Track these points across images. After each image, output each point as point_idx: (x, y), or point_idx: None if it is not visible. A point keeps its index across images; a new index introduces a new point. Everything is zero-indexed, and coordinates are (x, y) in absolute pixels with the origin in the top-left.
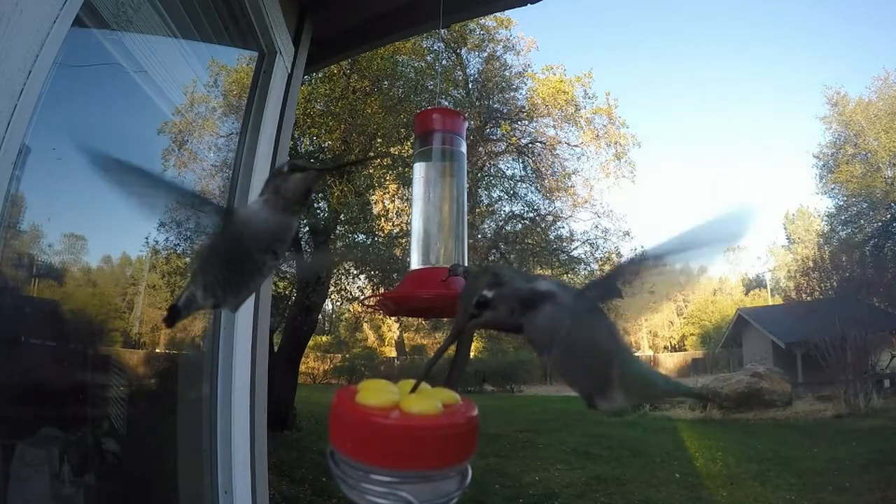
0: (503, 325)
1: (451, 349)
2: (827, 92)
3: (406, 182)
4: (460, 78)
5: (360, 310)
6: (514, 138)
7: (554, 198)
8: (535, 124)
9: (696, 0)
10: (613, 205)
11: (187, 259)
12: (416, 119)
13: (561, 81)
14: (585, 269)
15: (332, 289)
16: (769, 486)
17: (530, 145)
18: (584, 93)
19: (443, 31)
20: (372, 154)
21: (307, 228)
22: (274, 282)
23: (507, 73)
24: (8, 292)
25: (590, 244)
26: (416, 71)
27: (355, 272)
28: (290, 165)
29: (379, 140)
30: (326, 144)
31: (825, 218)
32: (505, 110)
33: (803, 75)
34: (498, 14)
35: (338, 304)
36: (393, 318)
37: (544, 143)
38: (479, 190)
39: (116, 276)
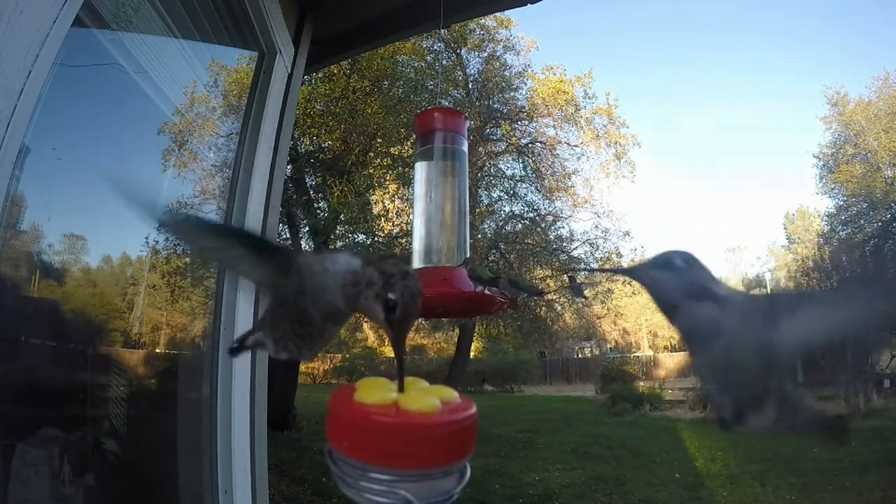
0: (662, 298)
1: (451, 349)
2: (827, 92)
3: (406, 182)
4: (460, 78)
5: None
6: (514, 138)
7: (554, 198)
8: (535, 124)
9: (697, 1)
10: (613, 205)
11: (187, 259)
12: (417, 119)
13: (561, 81)
14: (585, 269)
15: None
16: (769, 486)
17: (530, 145)
18: (584, 93)
19: (443, 31)
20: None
21: (307, 228)
22: None
23: (507, 73)
24: (8, 292)
25: (590, 244)
26: (416, 71)
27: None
28: (395, 301)
29: (379, 140)
30: (326, 144)
31: (825, 218)
32: (505, 110)
33: (803, 75)
34: (498, 14)
35: None
36: None
37: (544, 143)
38: (479, 190)
39: (116, 276)
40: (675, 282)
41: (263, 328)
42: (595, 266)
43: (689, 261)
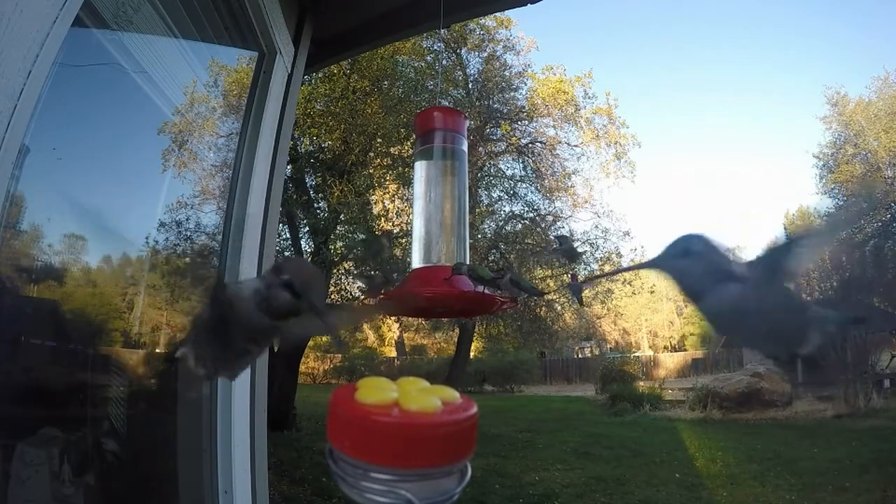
0: (689, 287)
1: (451, 349)
2: (827, 92)
3: (406, 182)
4: (460, 78)
5: None
6: (514, 138)
7: (554, 198)
8: (535, 124)
9: (697, 1)
10: (613, 205)
11: (187, 259)
12: (417, 118)
13: (561, 81)
14: (585, 269)
15: (332, 289)
16: (769, 486)
17: (530, 145)
18: (584, 93)
19: (443, 31)
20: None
21: (307, 228)
22: None
23: (507, 73)
24: (8, 292)
25: (590, 244)
26: (416, 71)
27: (355, 272)
28: (289, 279)
29: (379, 140)
30: (326, 144)
31: (825, 218)
32: (505, 110)
33: (803, 75)
34: (498, 14)
35: (338, 304)
36: (393, 318)
37: (544, 143)
38: (479, 190)
39: (116, 276)
40: (698, 269)
41: (188, 344)
42: (595, 266)
43: (706, 244)
